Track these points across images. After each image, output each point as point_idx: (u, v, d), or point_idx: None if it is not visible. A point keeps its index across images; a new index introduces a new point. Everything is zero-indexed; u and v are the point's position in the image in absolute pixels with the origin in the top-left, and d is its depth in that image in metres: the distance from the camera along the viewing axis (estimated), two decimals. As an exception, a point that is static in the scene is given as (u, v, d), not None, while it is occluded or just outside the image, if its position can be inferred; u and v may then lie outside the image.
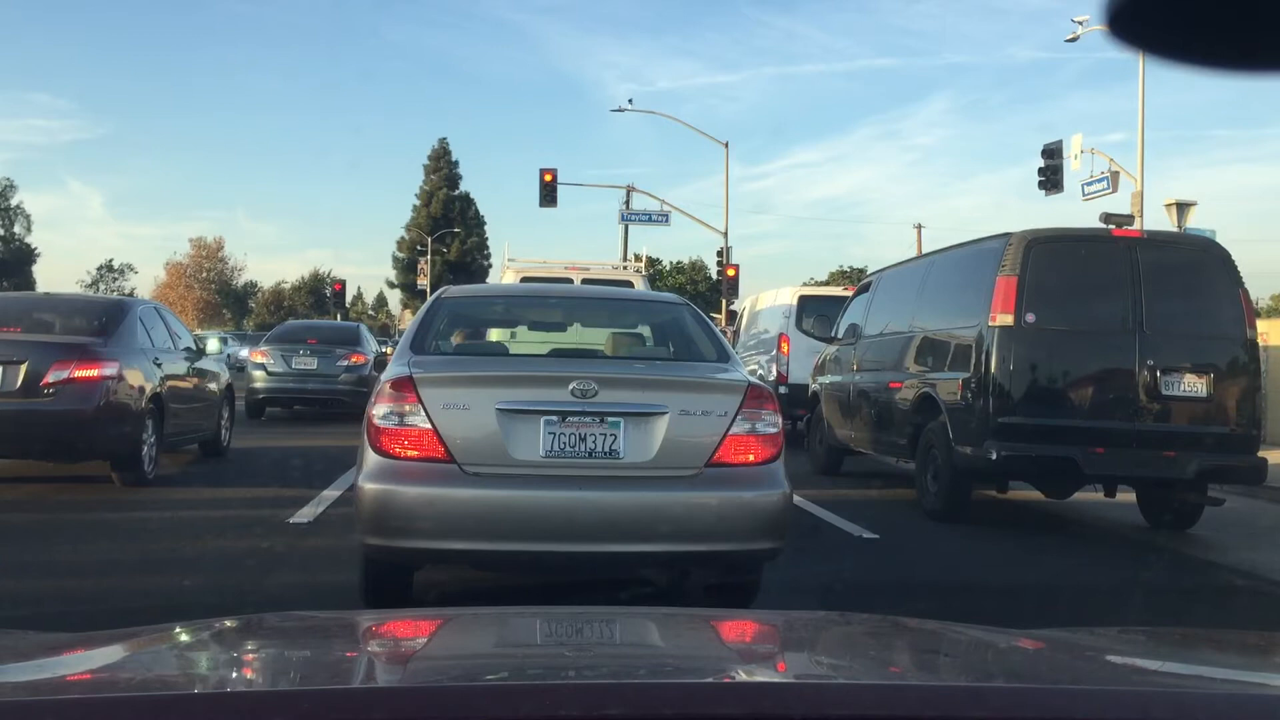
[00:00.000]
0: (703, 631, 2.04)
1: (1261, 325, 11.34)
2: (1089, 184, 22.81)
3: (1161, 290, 8.01)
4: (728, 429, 4.56)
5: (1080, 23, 22.82)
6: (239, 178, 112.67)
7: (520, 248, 54.49)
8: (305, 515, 7.35)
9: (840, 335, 11.42)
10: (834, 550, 7.10)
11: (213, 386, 10.85)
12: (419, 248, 62.96)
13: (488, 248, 68.53)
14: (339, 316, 46.04)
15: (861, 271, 44.34)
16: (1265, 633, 3.96)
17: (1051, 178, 22.99)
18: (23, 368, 7.94)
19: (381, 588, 4.77)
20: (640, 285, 13.95)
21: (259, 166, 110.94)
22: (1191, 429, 7.91)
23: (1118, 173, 22.52)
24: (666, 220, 33.82)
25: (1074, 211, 55.24)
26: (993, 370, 7.89)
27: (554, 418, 4.47)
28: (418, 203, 68.74)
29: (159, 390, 8.94)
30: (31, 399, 7.92)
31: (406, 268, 65.84)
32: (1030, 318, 7.84)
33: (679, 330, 5.68)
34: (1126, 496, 8.73)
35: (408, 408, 4.44)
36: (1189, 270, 8.32)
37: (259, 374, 16.40)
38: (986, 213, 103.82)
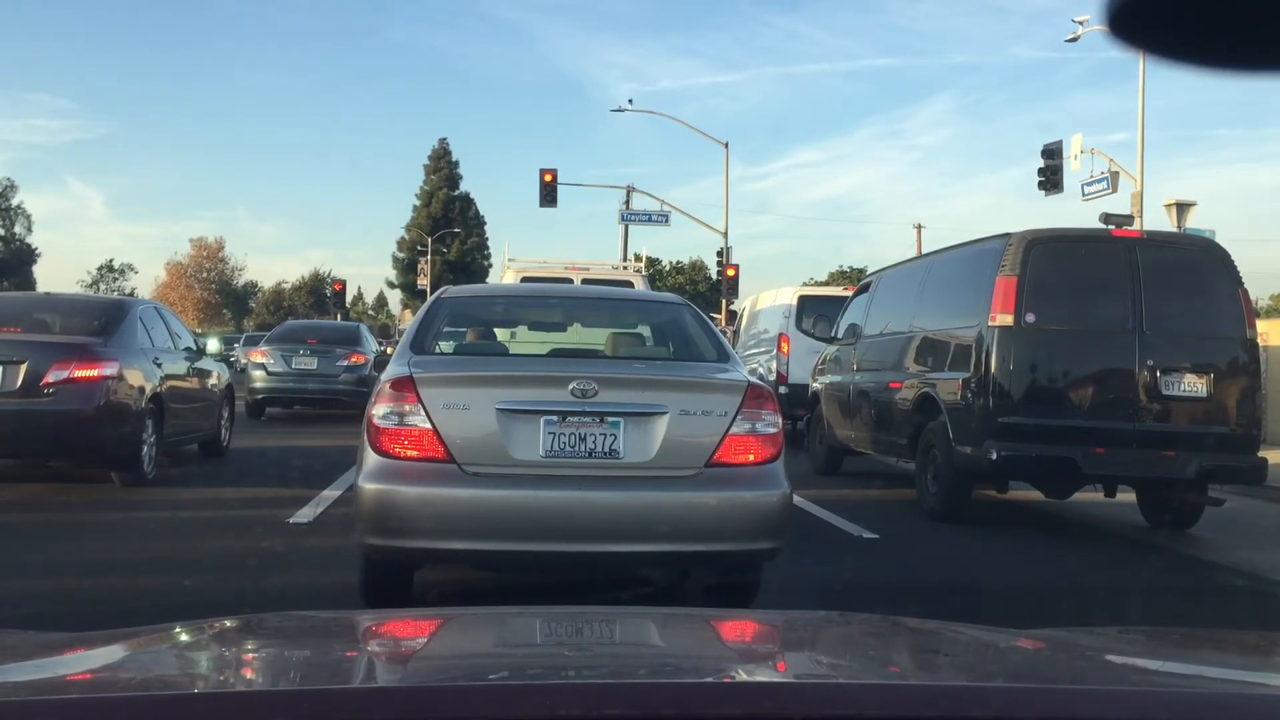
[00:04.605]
0: (703, 631, 2.04)
1: (1261, 325, 11.34)
2: (1089, 184, 22.81)
3: (1161, 290, 8.00)
4: (728, 429, 4.56)
5: (1080, 23, 22.83)
6: (239, 178, 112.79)
7: (520, 248, 54.61)
8: (305, 515, 7.34)
9: (840, 335, 11.42)
10: (834, 550, 7.10)
11: (213, 386, 10.85)
12: (419, 248, 62.96)
13: (488, 248, 68.58)
14: (339, 316, 46.02)
15: (861, 271, 44.34)
16: (1265, 633, 3.96)
17: (1051, 178, 22.99)
18: (23, 368, 7.94)
19: (381, 588, 4.76)
20: (640, 285, 13.96)
21: (259, 166, 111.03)
22: (1191, 429, 7.91)
23: (1117, 173, 22.52)
24: (666, 220, 33.82)
25: (1074, 211, 55.20)
26: (993, 370, 7.89)
27: (554, 418, 4.47)
28: (418, 203, 68.74)
29: (159, 390, 8.93)
30: (31, 399, 7.92)
31: (406, 268, 65.83)
32: (1030, 318, 7.84)
33: (679, 330, 5.68)
34: (1126, 496, 8.73)
35: (408, 408, 4.44)
36: (1189, 270, 8.31)
37: (259, 374, 16.39)
38: (987, 213, 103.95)
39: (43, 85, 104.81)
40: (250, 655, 1.73)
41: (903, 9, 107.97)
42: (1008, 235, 8.22)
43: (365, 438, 4.53)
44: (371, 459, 4.46)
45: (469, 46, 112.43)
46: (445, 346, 5.40)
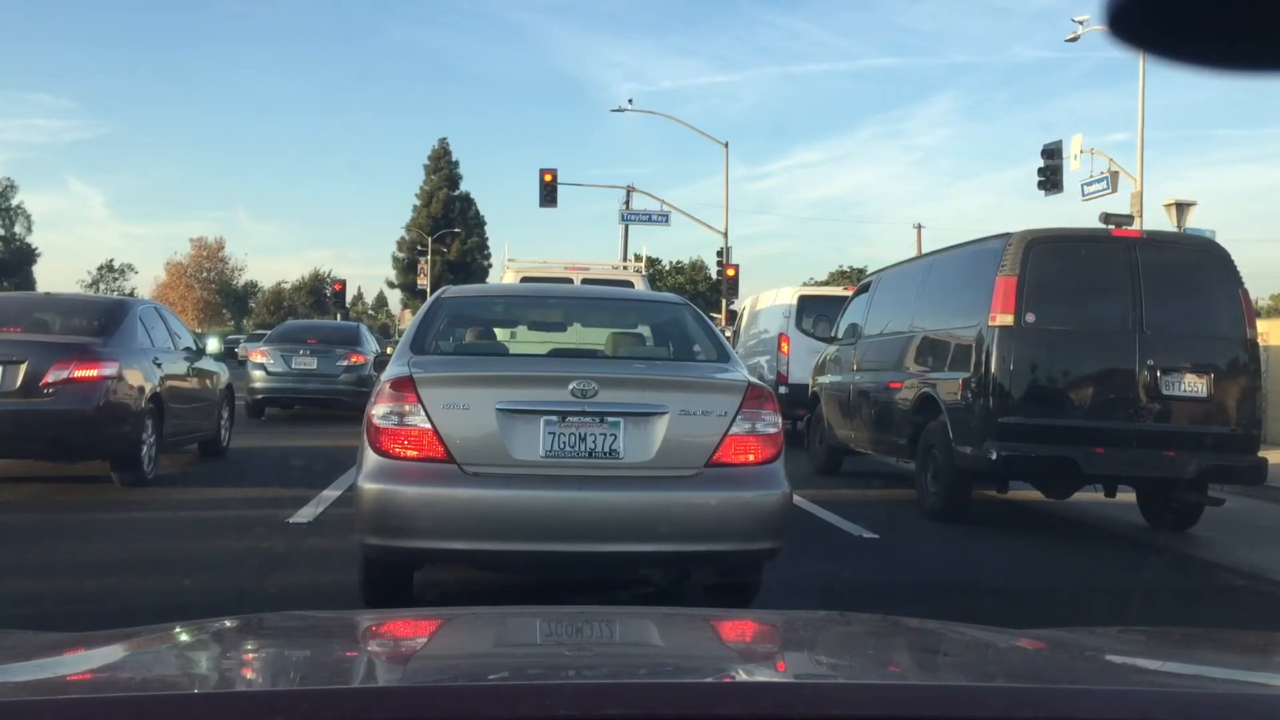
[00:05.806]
0: (703, 631, 2.04)
1: (1261, 325, 11.33)
2: (1088, 184, 22.81)
3: (1161, 290, 8.00)
4: (728, 429, 4.56)
5: (1080, 22, 22.82)
6: (239, 178, 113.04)
7: (520, 248, 54.61)
8: (305, 515, 7.34)
9: (840, 335, 11.42)
10: (834, 550, 7.10)
11: (212, 386, 10.84)
12: (419, 248, 62.98)
13: (488, 248, 68.64)
14: (339, 316, 46.03)
15: (861, 271, 44.34)
16: (1265, 633, 3.96)
17: (1051, 178, 22.99)
18: (23, 367, 7.93)
19: (381, 588, 4.77)
20: (640, 285, 13.94)
21: (259, 166, 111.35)
22: (1192, 429, 7.90)
23: (1117, 173, 22.52)
24: (666, 220, 33.81)
25: (1074, 212, 55.22)
26: (993, 370, 7.88)
27: (554, 418, 4.47)
28: (418, 203, 68.79)
29: (159, 390, 8.93)
30: (31, 399, 7.92)
31: (406, 268, 65.86)
32: (1030, 318, 7.84)
33: (679, 330, 5.68)
34: (1126, 496, 8.73)
35: (407, 408, 4.44)
36: (1189, 270, 8.31)
37: (259, 374, 16.37)
38: (987, 213, 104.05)
39: (43, 85, 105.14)
40: (250, 655, 1.73)
41: (903, 9, 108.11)
42: (1008, 235, 8.22)
43: (365, 438, 4.53)
44: (371, 459, 4.46)
45: (469, 46, 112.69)
46: (445, 346, 5.39)
